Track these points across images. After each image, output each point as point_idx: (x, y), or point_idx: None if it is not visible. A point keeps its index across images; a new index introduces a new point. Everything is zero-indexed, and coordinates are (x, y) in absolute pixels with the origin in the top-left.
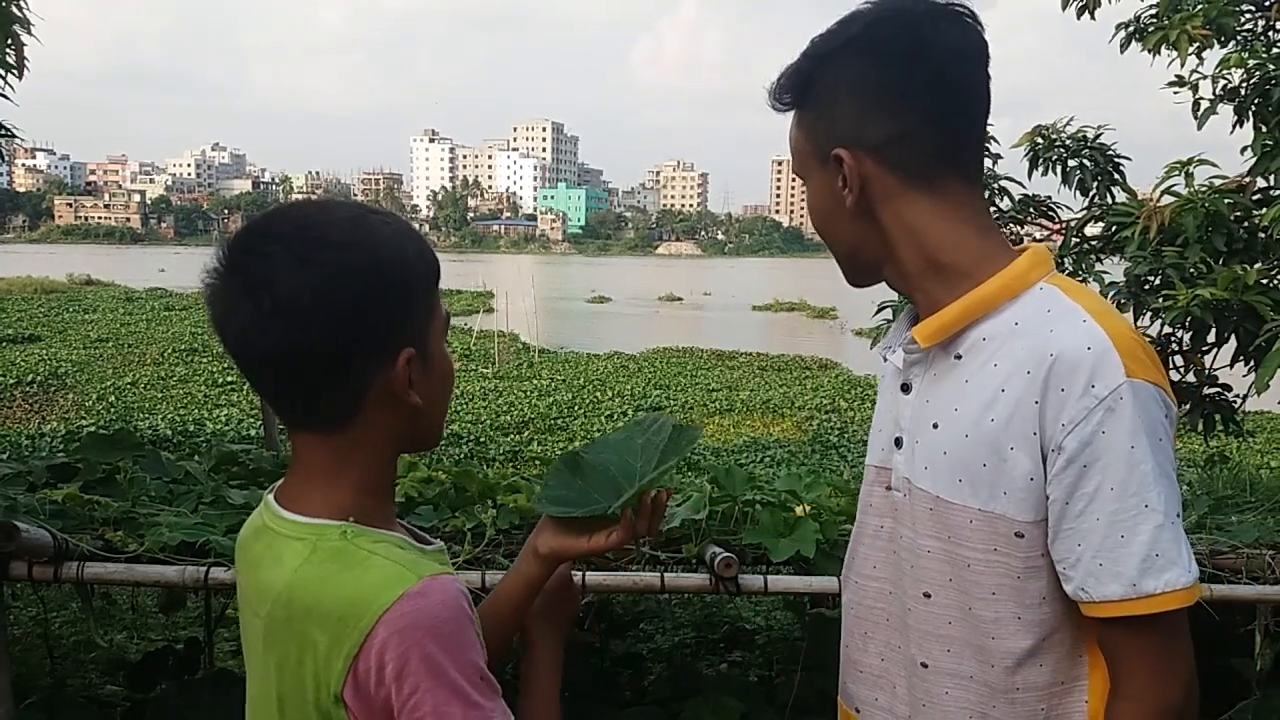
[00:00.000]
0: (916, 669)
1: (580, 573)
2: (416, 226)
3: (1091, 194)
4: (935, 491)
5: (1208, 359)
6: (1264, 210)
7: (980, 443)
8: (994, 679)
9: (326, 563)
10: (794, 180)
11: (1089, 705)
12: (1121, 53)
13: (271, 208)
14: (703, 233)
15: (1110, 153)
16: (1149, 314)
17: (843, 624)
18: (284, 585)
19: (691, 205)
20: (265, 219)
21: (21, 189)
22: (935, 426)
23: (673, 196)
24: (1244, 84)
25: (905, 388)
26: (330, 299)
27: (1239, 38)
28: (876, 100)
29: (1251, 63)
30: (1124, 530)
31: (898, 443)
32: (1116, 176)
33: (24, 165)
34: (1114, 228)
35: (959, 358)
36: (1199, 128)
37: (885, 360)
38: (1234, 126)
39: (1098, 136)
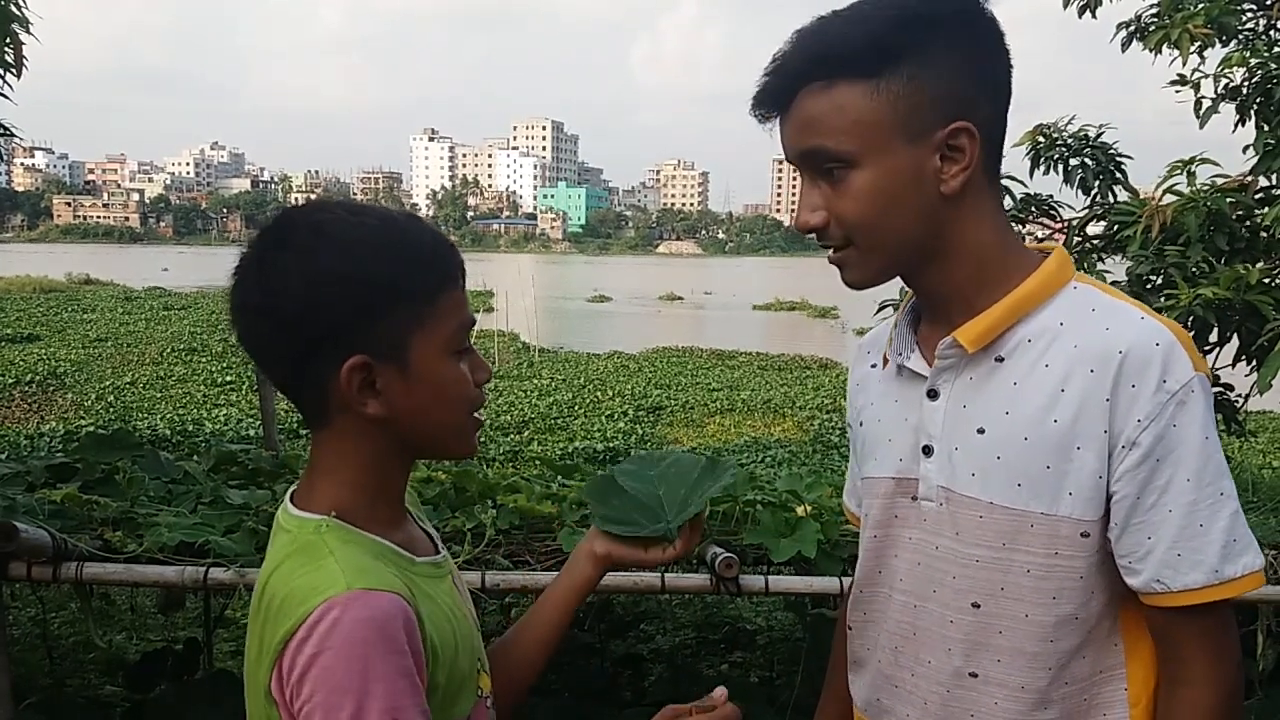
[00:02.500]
0: (963, 680)
1: None
2: None
3: (1093, 193)
4: (988, 498)
5: (1210, 358)
6: (1266, 209)
7: (1043, 445)
8: (1045, 681)
9: (295, 556)
10: (794, 180)
11: (1129, 692)
12: (1123, 52)
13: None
14: (703, 232)
15: (1112, 151)
16: None
17: (862, 636)
18: (265, 575)
19: (692, 204)
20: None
21: (20, 188)
22: (981, 432)
23: (673, 195)
24: (1246, 83)
25: (932, 394)
26: (273, 301)
27: (1240, 36)
28: (981, 78)
29: (1253, 61)
30: (1203, 519)
31: (926, 451)
32: (1118, 175)
33: (23, 164)
34: (1116, 227)
35: (1000, 360)
36: (1200, 127)
37: (891, 365)
38: (1236, 125)
39: (1099, 135)
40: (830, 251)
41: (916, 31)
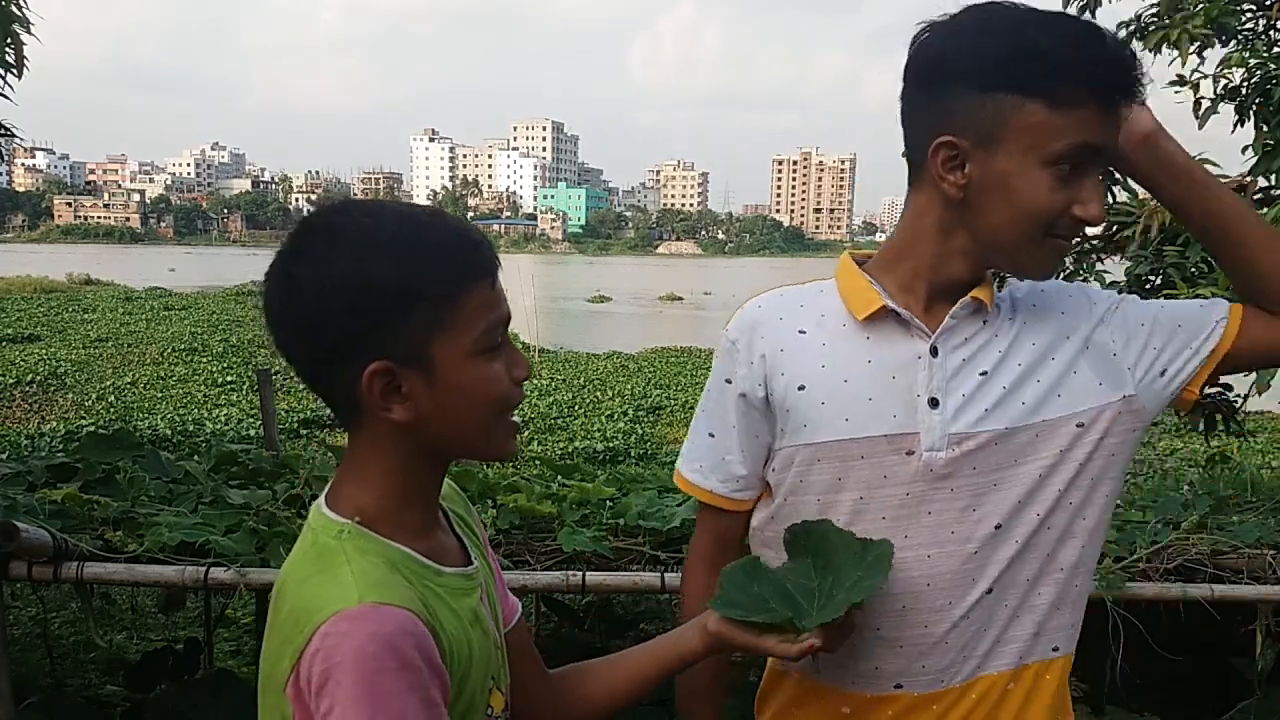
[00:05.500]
0: (980, 602)
1: (580, 573)
2: None
3: None
4: (1003, 425)
5: None
6: (1265, 210)
7: (1031, 366)
8: (1043, 567)
9: (312, 559)
10: (794, 180)
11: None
12: None
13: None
14: (703, 232)
15: None
16: None
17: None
18: (285, 569)
19: (692, 204)
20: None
21: (21, 189)
22: (984, 374)
23: (673, 196)
24: (1245, 83)
25: (934, 350)
26: (291, 309)
27: (1240, 37)
28: None
29: (1252, 62)
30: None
31: (932, 403)
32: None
33: (23, 165)
34: (1115, 227)
35: (985, 323)
36: (1200, 127)
37: (850, 327)
38: (1235, 126)
39: None
40: (1067, 242)
41: None
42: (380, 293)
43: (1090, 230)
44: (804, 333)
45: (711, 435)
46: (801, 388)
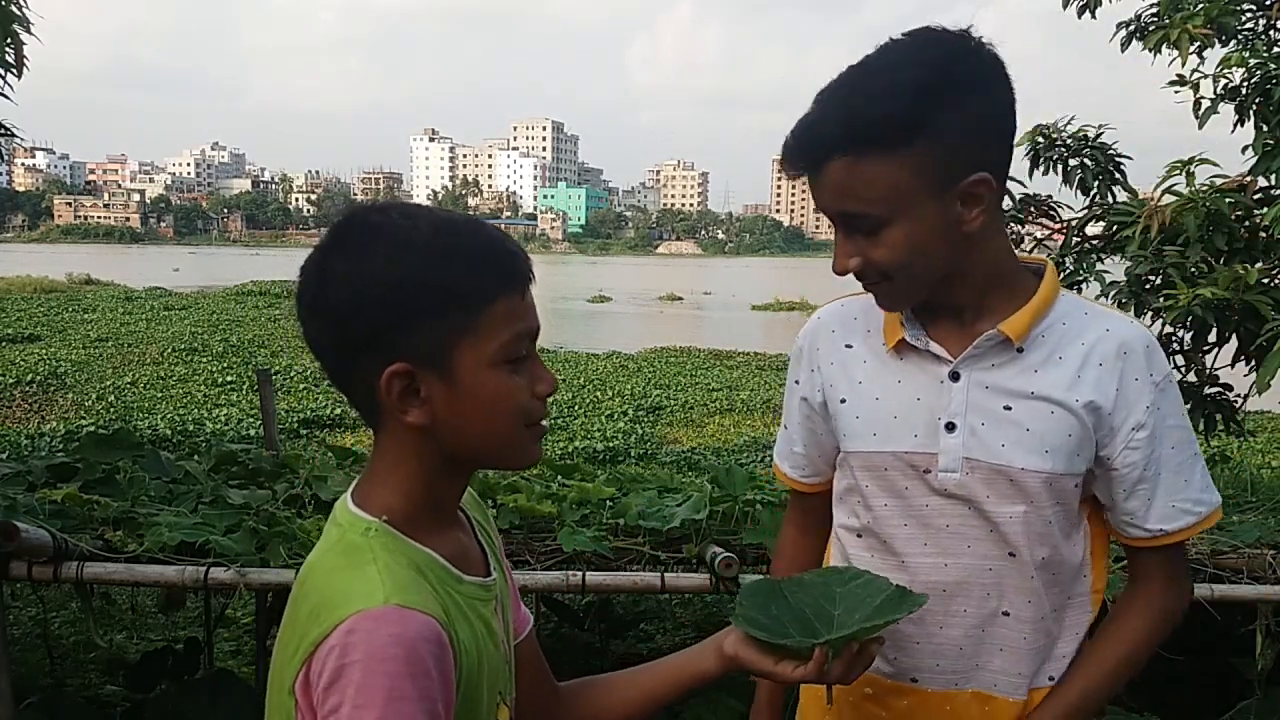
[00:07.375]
0: (996, 619)
1: (580, 573)
2: None
3: (1092, 193)
4: (1019, 464)
5: (1209, 358)
6: (1265, 209)
7: (1065, 419)
8: (1058, 605)
9: (338, 554)
10: (795, 186)
11: (1091, 598)
12: (1122, 51)
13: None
14: (703, 232)
15: (1111, 152)
16: (1150, 313)
17: None
18: (309, 564)
19: (692, 204)
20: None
21: (21, 189)
22: (1008, 409)
23: (673, 196)
24: (1245, 83)
25: (955, 376)
26: (323, 301)
27: (1240, 37)
28: (991, 127)
29: (1252, 62)
30: (1185, 476)
31: (949, 427)
32: (1117, 176)
33: (23, 165)
34: (1115, 227)
35: (1020, 351)
36: (1200, 127)
37: (884, 349)
38: (1235, 126)
39: (1098, 136)
40: (865, 282)
41: (934, 102)
42: (410, 291)
43: (1090, 230)
44: (850, 347)
45: (785, 427)
46: (843, 400)
